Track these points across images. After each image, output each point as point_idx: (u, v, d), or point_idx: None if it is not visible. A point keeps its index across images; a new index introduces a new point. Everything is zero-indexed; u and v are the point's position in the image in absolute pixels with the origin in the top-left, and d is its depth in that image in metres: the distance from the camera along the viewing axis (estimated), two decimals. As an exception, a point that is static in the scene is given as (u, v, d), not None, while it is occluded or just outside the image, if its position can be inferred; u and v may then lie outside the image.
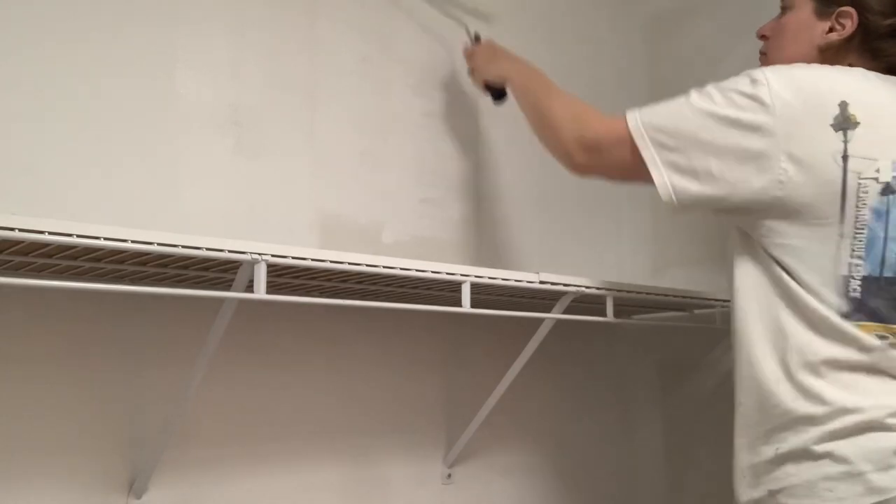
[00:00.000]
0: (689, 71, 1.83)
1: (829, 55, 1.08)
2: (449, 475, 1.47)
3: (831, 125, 0.97)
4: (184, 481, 1.16)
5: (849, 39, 1.07)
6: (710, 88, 1.03)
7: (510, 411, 1.51)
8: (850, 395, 0.95)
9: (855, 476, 0.92)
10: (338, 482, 1.33)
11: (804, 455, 0.96)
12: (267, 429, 1.26)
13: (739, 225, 1.06)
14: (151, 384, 1.14)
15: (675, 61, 1.88)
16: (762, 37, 1.19)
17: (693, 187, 1.03)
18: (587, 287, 1.26)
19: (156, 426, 1.11)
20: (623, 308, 1.46)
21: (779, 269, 1.00)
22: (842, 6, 1.07)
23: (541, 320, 1.30)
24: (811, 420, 0.96)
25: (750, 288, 1.04)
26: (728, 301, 1.49)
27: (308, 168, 1.34)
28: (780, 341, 1.00)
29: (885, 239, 0.97)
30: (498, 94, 1.43)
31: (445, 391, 1.49)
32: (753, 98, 0.99)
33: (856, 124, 0.97)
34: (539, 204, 1.67)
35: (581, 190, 1.77)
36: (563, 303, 1.28)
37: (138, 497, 1.11)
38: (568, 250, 1.55)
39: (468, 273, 1.13)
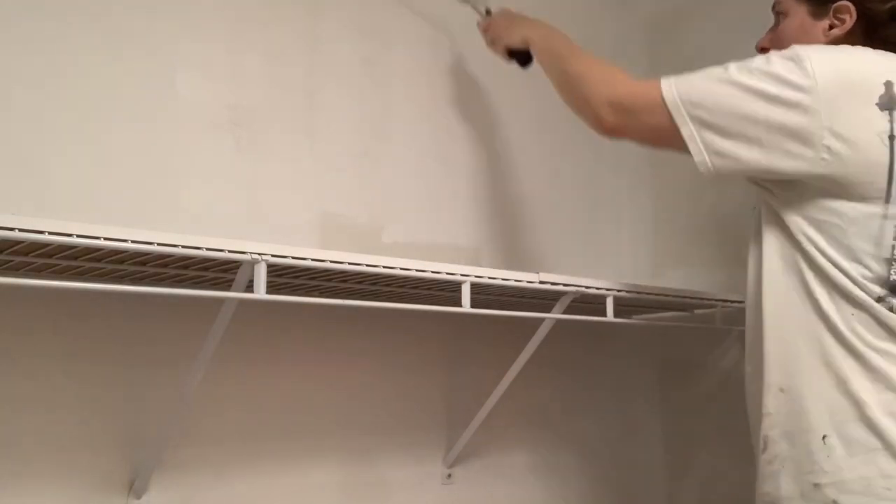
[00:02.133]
0: (688, 71, 1.83)
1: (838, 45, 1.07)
2: (449, 475, 1.47)
3: (877, 104, 0.96)
4: (184, 481, 1.16)
5: (851, 32, 1.06)
6: (752, 63, 1.01)
7: (510, 411, 1.51)
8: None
9: None
10: (338, 482, 1.33)
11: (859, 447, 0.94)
12: (267, 429, 1.26)
13: (775, 202, 1.03)
14: (151, 384, 1.14)
15: (675, 61, 1.87)
16: (762, 49, 1.17)
17: (730, 160, 1.01)
18: (587, 287, 1.26)
19: (156, 426, 1.11)
20: (623, 308, 1.46)
21: (813, 249, 0.99)
22: (836, 1, 1.06)
23: (541, 320, 1.30)
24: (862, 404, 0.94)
25: (780, 270, 1.02)
26: (727, 301, 1.49)
27: (308, 168, 1.34)
28: (817, 324, 0.98)
29: None
30: (524, 58, 1.39)
31: (445, 391, 1.49)
32: (796, 74, 0.97)
33: None
34: (539, 204, 1.67)
35: (581, 190, 1.77)
36: (563, 303, 1.28)
37: (138, 497, 1.11)
38: (568, 250, 1.55)
39: (468, 273, 1.13)
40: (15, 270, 0.96)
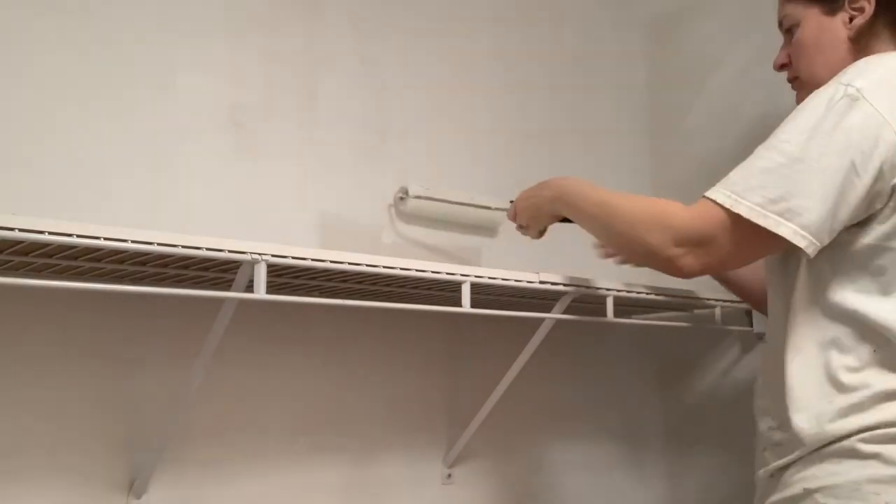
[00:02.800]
0: (689, 71, 1.83)
1: (862, 44, 1.03)
2: (449, 475, 1.47)
3: None
4: (184, 481, 1.16)
5: (872, 22, 1.03)
6: (795, 123, 0.95)
7: (510, 411, 1.51)
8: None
9: None
10: (338, 482, 1.33)
11: (849, 453, 0.93)
12: (267, 428, 1.26)
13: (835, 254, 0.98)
14: (151, 384, 1.14)
15: (675, 61, 1.88)
16: (782, 66, 1.14)
17: (821, 221, 0.92)
18: (587, 287, 1.26)
19: (156, 426, 1.11)
20: (623, 308, 1.46)
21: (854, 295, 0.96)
22: None
23: (541, 320, 1.30)
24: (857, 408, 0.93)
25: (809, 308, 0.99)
26: (727, 301, 1.49)
27: (308, 168, 1.34)
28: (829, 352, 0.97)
29: None
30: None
31: (446, 391, 1.49)
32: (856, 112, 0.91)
33: None
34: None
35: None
36: (563, 303, 1.28)
37: (138, 497, 1.11)
38: (568, 250, 1.54)
39: (468, 273, 1.13)
40: (15, 270, 0.96)
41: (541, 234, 1.24)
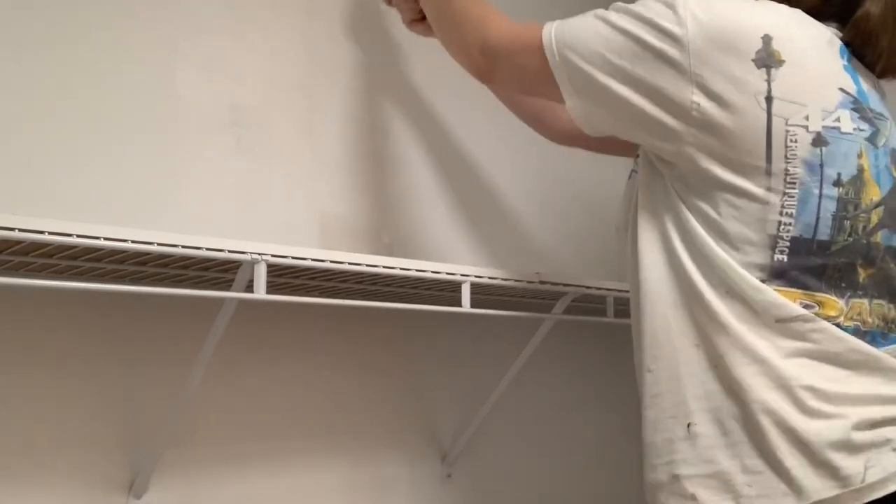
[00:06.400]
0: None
1: None
2: (449, 475, 1.47)
3: (753, 60, 0.84)
4: (184, 481, 1.16)
5: None
6: (631, 5, 0.91)
7: (510, 411, 1.51)
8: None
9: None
10: (338, 482, 1.33)
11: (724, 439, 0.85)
12: (267, 428, 1.26)
13: (654, 174, 0.94)
14: (151, 384, 1.14)
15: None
16: None
17: (600, 112, 0.93)
18: (587, 287, 1.26)
19: (156, 426, 1.11)
20: (623, 308, 1.46)
21: (693, 223, 0.88)
22: None
23: (541, 320, 1.30)
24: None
25: (657, 247, 0.92)
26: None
27: (308, 168, 1.34)
28: (694, 305, 0.88)
29: (820, 196, 0.84)
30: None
31: (445, 391, 1.49)
32: (667, 19, 0.86)
33: (780, 62, 0.84)
34: (539, 203, 1.67)
35: (581, 189, 1.77)
36: (563, 303, 1.28)
37: (138, 497, 1.11)
38: (568, 250, 1.55)
39: (468, 273, 1.13)
40: (15, 270, 0.96)
41: (412, 23, 1.28)
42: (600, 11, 0.93)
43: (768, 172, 0.84)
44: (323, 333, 1.33)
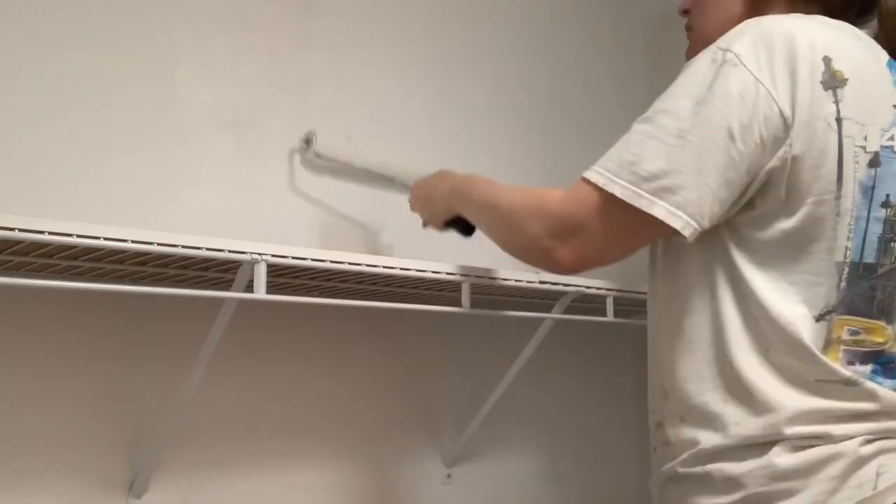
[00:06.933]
0: (687, 70, 1.83)
1: (758, 8, 0.92)
2: (449, 475, 1.47)
3: (821, 82, 0.81)
4: (184, 481, 1.16)
5: None
6: (670, 99, 0.85)
7: (510, 411, 1.51)
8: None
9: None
10: (338, 482, 1.33)
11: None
12: (267, 429, 1.26)
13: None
14: (151, 384, 1.14)
15: (675, 61, 1.87)
16: (685, 12, 1.04)
17: (699, 200, 0.80)
18: (587, 287, 1.26)
19: (156, 426, 1.11)
20: (623, 308, 1.46)
21: (748, 275, 0.83)
22: None
23: (541, 320, 1.30)
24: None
25: (705, 299, 0.86)
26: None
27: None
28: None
29: (868, 219, 0.82)
30: (462, 227, 1.13)
31: (446, 391, 1.49)
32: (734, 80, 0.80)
33: (843, 81, 0.81)
34: (539, 204, 1.67)
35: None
36: (563, 303, 1.28)
37: (138, 497, 1.11)
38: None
39: (468, 273, 1.13)
40: (15, 270, 0.96)
41: (444, 228, 1.16)
42: (641, 126, 0.86)
43: (838, 197, 0.81)
44: (323, 333, 1.33)
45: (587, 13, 1.87)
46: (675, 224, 0.79)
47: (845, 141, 0.81)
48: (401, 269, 1.07)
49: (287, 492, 1.27)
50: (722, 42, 0.84)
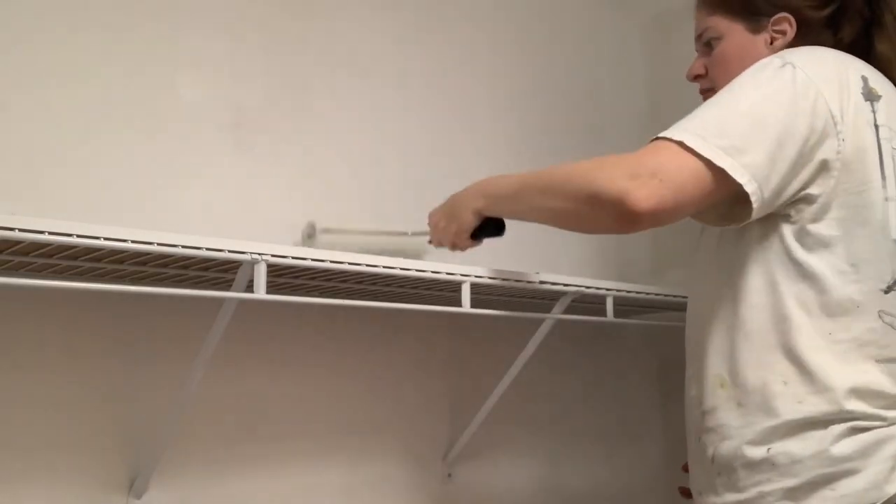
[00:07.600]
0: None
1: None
2: (449, 475, 1.47)
3: (861, 94, 0.96)
4: (184, 481, 1.16)
5: (792, 45, 1.04)
6: (751, 78, 0.95)
7: (510, 411, 1.51)
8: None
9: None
10: (338, 482, 1.33)
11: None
12: (267, 429, 1.26)
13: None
14: (151, 384, 1.14)
15: (675, 61, 1.87)
16: (696, 77, 1.13)
17: (774, 177, 0.90)
18: (587, 287, 1.26)
19: (156, 426, 1.11)
20: (623, 308, 1.46)
21: (808, 261, 0.93)
22: (773, 15, 1.04)
23: (541, 320, 1.30)
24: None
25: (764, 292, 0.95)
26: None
27: (308, 168, 1.34)
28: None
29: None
30: (491, 230, 1.13)
31: (446, 391, 1.49)
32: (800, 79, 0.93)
33: (878, 97, 0.97)
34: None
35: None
36: (563, 303, 1.28)
37: (138, 497, 1.11)
38: (568, 250, 1.55)
39: (468, 273, 1.13)
40: (15, 270, 0.96)
41: (473, 241, 1.14)
42: (722, 97, 0.96)
43: (883, 185, 0.95)
44: (323, 333, 1.33)
45: (587, 13, 1.87)
46: (741, 179, 0.88)
47: (883, 142, 0.96)
48: (401, 269, 1.07)
49: (287, 491, 1.27)
50: (777, 55, 0.97)
